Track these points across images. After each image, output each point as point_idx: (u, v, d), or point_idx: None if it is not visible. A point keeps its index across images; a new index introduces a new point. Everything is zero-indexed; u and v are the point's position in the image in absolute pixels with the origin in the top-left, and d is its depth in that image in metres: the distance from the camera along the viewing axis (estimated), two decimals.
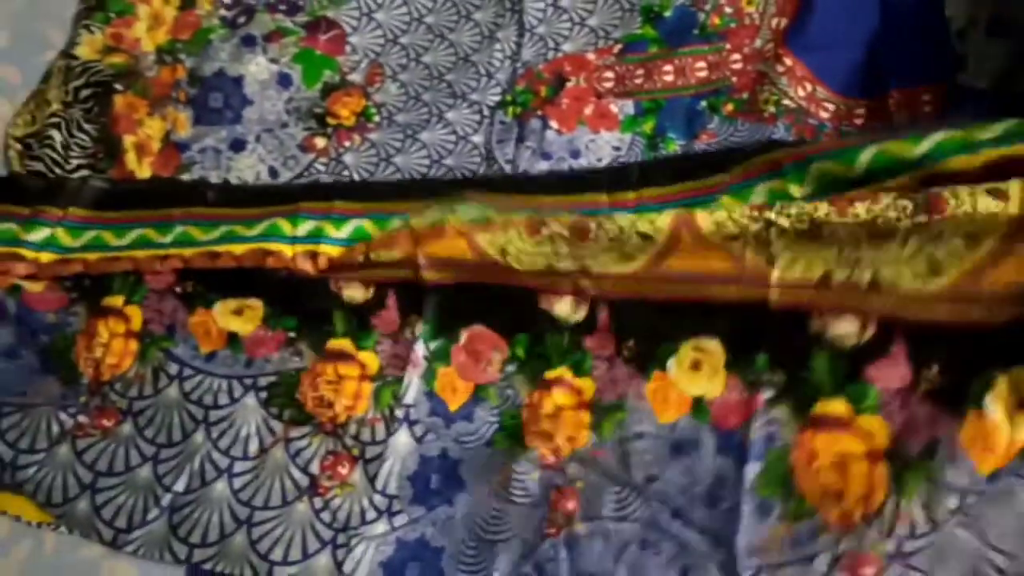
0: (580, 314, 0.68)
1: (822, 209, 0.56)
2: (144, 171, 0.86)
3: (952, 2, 0.77)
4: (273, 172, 0.87)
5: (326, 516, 0.69)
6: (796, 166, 0.63)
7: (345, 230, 0.75)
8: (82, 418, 0.73)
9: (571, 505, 0.65)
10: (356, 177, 0.86)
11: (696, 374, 0.64)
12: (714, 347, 0.64)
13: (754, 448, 0.60)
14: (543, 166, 0.85)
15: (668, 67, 0.87)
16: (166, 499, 0.70)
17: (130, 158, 0.85)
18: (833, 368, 0.58)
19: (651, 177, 0.74)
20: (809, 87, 0.83)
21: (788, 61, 0.83)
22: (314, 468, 0.70)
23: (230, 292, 0.76)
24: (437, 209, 0.73)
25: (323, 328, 0.74)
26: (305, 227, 0.76)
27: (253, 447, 0.71)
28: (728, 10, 0.86)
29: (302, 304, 0.75)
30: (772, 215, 0.58)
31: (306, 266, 0.73)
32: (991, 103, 0.78)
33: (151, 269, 0.76)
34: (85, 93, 0.86)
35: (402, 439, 0.70)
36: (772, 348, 0.61)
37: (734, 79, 0.86)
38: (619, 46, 0.88)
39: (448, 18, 0.94)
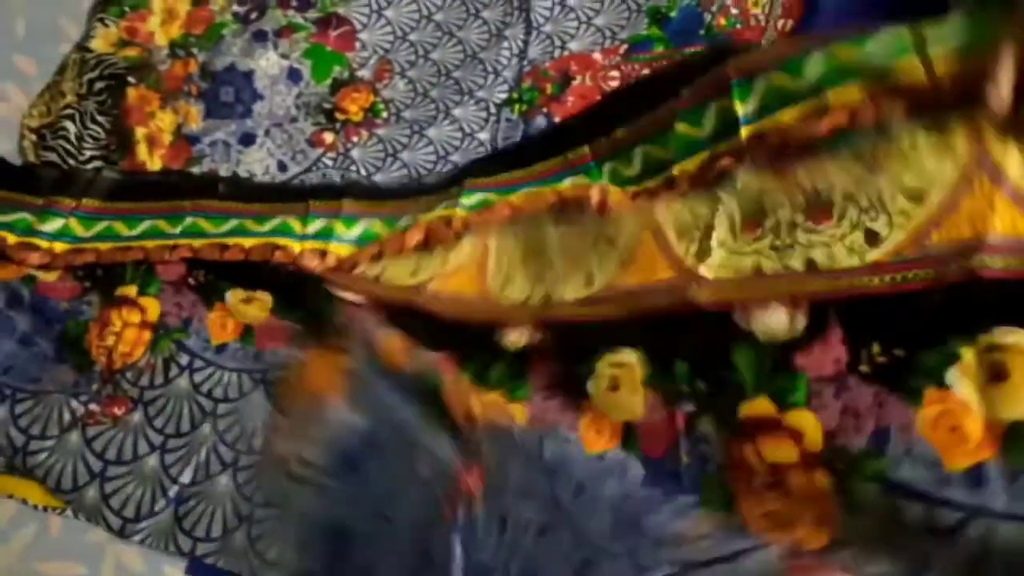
0: (524, 340, 0.64)
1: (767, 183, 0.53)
2: (155, 163, 0.87)
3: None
4: (282, 166, 0.88)
5: None
6: (741, 82, 0.58)
7: (355, 230, 0.77)
8: (93, 406, 0.74)
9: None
10: (364, 172, 0.87)
11: (616, 395, 0.57)
12: (631, 359, 0.58)
13: (686, 477, 0.54)
14: None
15: None
16: (173, 490, 0.71)
17: (141, 150, 0.86)
18: (758, 363, 0.52)
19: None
20: None
21: None
22: None
23: (239, 284, 0.77)
24: (444, 204, 0.75)
25: (323, 328, 0.73)
26: (315, 226, 0.77)
27: (259, 442, 0.71)
28: (734, 11, 0.87)
29: (306, 301, 0.75)
30: (723, 196, 0.55)
31: (313, 263, 0.74)
32: None
33: (160, 259, 0.77)
34: (99, 86, 0.88)
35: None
36: (693, 353, 0.55)
37: None
38: (625, 46, 0.88)
39: (457, 16, 0.95)
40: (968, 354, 0.44)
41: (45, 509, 0.73)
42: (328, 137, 0.90)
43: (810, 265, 0.50)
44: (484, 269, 0.70)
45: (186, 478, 0.71)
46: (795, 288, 0.50)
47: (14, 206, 0.82)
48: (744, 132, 0.57)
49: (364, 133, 0.90)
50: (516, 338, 0.64)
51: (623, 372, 0.57)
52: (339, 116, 0.90)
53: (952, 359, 0.45)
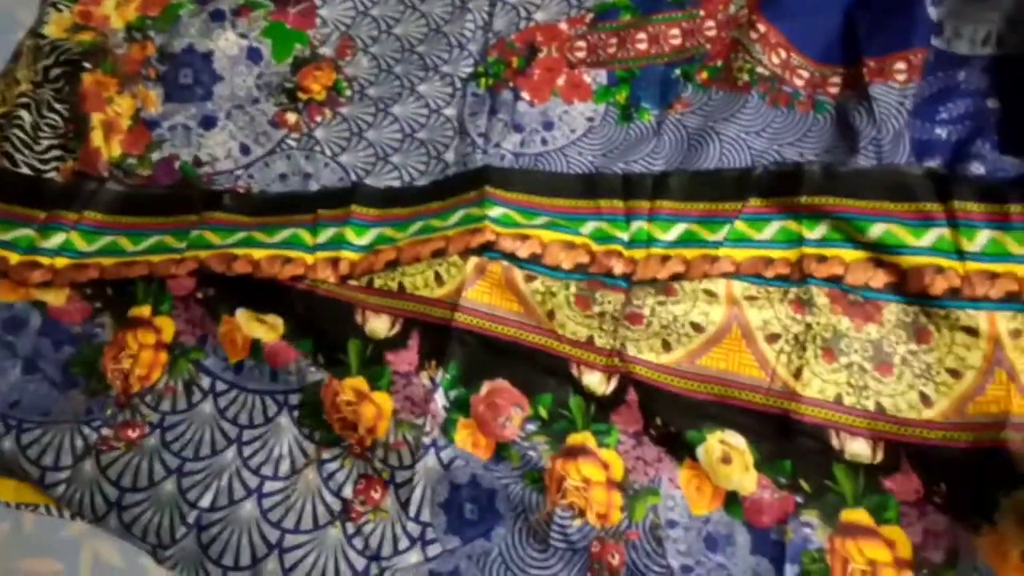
0: (609, 388, 0.68)
1: (844, 323, 0.67)
2: (113, 149, 0.85)
3: None
4: (245, 149, 0.87)
5: (358, 542, 0.67)
6: (812, 216, 0.71)
7: (366, 237, 0.75)
8: (106, 431, 0.71)
9: (616, 561, 0.64)
10: (328, 152, 0.86)
11: (728, 468, 0.65)
12: (741, 444, 0.65)
13: (791, 549, 0.62)
14: (515, 138, 0.84)
15: (642, 35, 0.85)
16: (192, 516, 0.68)
17: (96, 135, 0.84)
18: (854, 480, 0.64)
19: (665, 189, 0.76)
20: (784, 54, 0.81)
21: (762, 27, 0.81)
22: (347, 492, 0.68)
23: (250, 306, 0.75)
24: (463, 212, 0.74)
25: (337, 357, 0.72)
26: (325, 235, 0.76)
27: (284, 467, 0.69)
28: None
29: (320, 329, 0.73)
30: (810, 320, 0.67)
31: (326, 273, 0.73)
32: (969, 68, 0.77)
33: (167, 272, 0.75)
34: (55, 72, 0.85)
35: (430, 463, 0.68)
36: (797, 456, 0.65)
37: (708, 46, 0.85)
38: (591, 15, 0.86)
39: None
40: (1007, 504, 0.59)
41: (18, 506, 0.73)
42: (291, 117, 0.88)
43: (879, 408, 0.64)
44: (519, 290, 0.71)
45: (206, 503, 0.69)
46: (872, 425, 0.64)
47: (16, 221, 0.80)
48: (807, 251, 0.70)
49: (328, 112, 0.88)
50: (597, 383, 0.68)
51: (734, 451, 0.65)
52: (301, 96, 0.88)
53: (995, 505, 0.60)
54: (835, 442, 0.64)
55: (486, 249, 0.71)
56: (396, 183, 0.84)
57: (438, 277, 0.72)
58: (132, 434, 0.71)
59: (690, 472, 0.66)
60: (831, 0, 0.81)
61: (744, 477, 0.64)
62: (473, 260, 0.71)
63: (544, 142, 0.85)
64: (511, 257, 0.71)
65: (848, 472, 0.64)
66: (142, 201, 0.81)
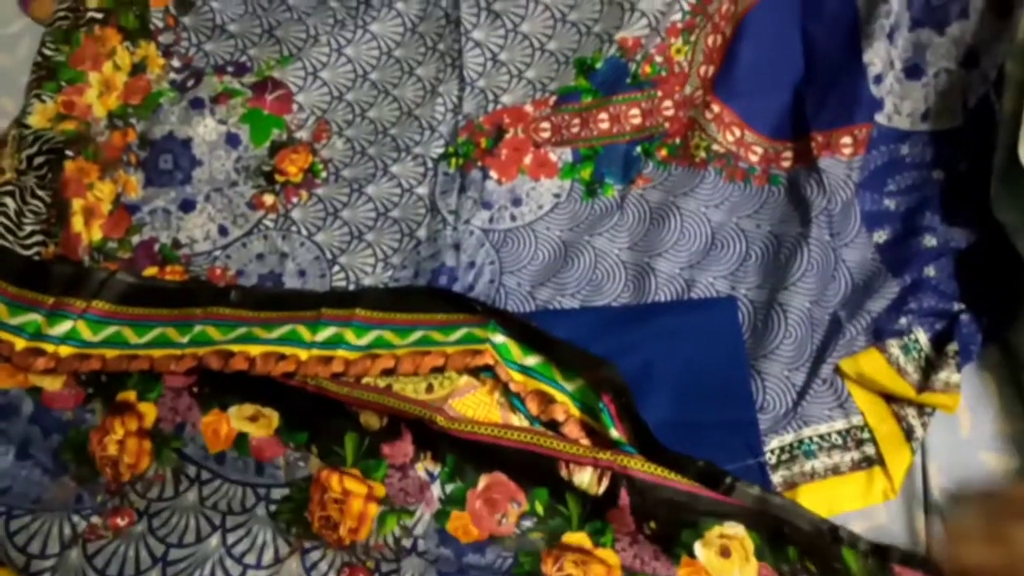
0: (601, 488, 0.67)
1: None
2: (94, 234, 0.87)
3: (870, 49, 0.80)
4: (223, 230, 0.89)
5: None
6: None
7: (365, 339, 0.76)
8: (95, 519, 0.70)
9: None
10: (304, 232, 0.89)
11: (727, 562, 0.65)
12: (741, 533, 0.66)
13: None
14: (484, 215, 0.87)
15: (603, 115, 0.90)
16: None
17: (76, 221, 0.86)
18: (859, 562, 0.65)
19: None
20: (738, 132, 0.86)
21: (716, 108, 0.86)
22: None
23: (247, 398, 0.76)
24: (465, 332, 0.75)
25: (332, 449, 0.72)
26: (325, 333, 0.76)
27: (268, 556, 0.68)
28: (658, 59, 0.89)
29: (316, 420, 0.74)
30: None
31: (318, 369, 0.74)
32: (912, 142, 0.82)
33: (166, 369, 0.76)
34: (38, 161, 0.88)
35: (414, 561, 0.67)
36: (803, 542, 0.65)
37: (667, 125, 0.89)
38: (555, 97, 0.91)
39: (392, 74, 0.97)
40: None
41: None
42: (268, 199, 0.91)
43: None
44: (503, 403, 0.73)
45: None
46: None
47: (25, 306, 0.80)
48: None
49: (304, 193, 0.91)
50: (589, 481, 0.67)
51: (733, 543, 0.66)
52: (279, 178, 0.91)
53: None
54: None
55: (483, 371, 0.73)
56: (370, 260, 0.87)
57: (429, 387, 0.73)
58: (120, 522, 0.70)
59: (687, 570, 0.66)
60: (780, 79, 0.86)
61: (744, 569, 0.65)
62: (466, 378, 0.73)
63: (513, 218, 0.88)
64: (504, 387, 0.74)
65: (853, 554, 0.64)
66: (151, 293, 0.82)
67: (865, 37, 0.80)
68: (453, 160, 0.90)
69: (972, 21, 0.78)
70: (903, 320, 0.76)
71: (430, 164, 0.91)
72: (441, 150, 0.91)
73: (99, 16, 0.95)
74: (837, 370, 0.75)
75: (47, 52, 0.94)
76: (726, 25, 0.87)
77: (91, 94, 0.93)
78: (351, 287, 0.86)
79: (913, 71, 0.81)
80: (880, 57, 0.80)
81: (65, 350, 0.78)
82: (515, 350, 0.76)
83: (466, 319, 0.78)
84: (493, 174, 0.88)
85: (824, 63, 0.83)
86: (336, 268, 0.87)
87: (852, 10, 0.82)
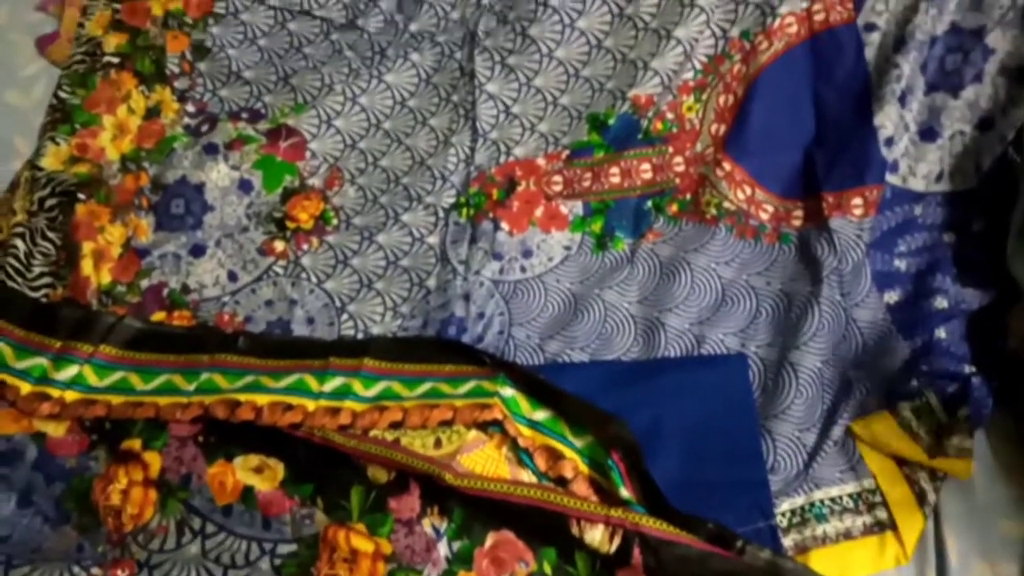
0: (613, 546, 0.66)
1: None
2: (103, 277, 0.87)
3: (880, 112, 0.81)
4: (232, 276, 0.89)
5: None
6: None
7: (373, 389, 0.76)
8: (96, 570, 0.69)
9: None
10: (314, 280, 0.89)
11: None
12: None
13: None
14: (495, 266, 0.87)
15: (614, 169, 0.90)
16: None
17: (86, 264, 0.86)
18: None
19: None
20: (748, 190, 0.86)
21: (727, 166, 0.87)
22: None
23: (253, 448, 0.75)
24: (474, 385, 0.75)
25: (338, 502, 0.72)
26: (332, 384, 0.76)
27: None
28: (669, 115, 0.90)
29: (322, 471, 0.73)
30: None
31: (325, 420, 0.73)
32: (925, 204, 0.82)
33: (172, 417, 0.75)
34: (50, 203, 0.88)
35: None
36: None
37: (677, 181, 0.89)
38: (567, 152, 0.91)
39: (405, 124, 0.97)
40: None
41: None
42: (279, 245, 0.91)
43: None
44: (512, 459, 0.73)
45: None
46: None
47: (32, 349, 0.80)
48: None
49: (315, 240, 0.91)
50: (600, 539, 0.66)
51: None
52: (290, 224, 0.91)
53: None
54: None
55: (492, 425, 0.73)
56: (379, 309, 0.87)
57: (438, 442, 0.72)
58: (121, 573, 0.69)
59: None
60: (791, 139, 0.87)
61: None
62: (474, 432, 0.72)
63: (523, 269, 0.88)
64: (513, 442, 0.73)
65: None
66: (158, 338, 0.82)
67: (876, 100, 0.82)
68: (464, 210, 0.91)
69: (986, 85, 0.79)
70: (914, 382, 0.76)
71: (441, 214, 0.91)
72: (452, 200, 0.92)
73: (115, 60, 0.96)
74: (849, 432, 0.75)
75: (62, 95, 0.94)
76: (738, 85, 0.88)
77: (105, 137, 0.93)
78: (360, 335, 0.86)
79: (928, 133, 0.82)
80: (891, 120, 0.81)
81: (71, 395, 0.77)
82: (524, 404, 0.76)
83: (475, 371, 0.77)
84: (504, 225, 0.89)
85: (835, 125, 0.85)
86: (345, 316, 0.87)
87: (863, 74, 0.83)
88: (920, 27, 0.81)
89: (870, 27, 0.84)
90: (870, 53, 0.84)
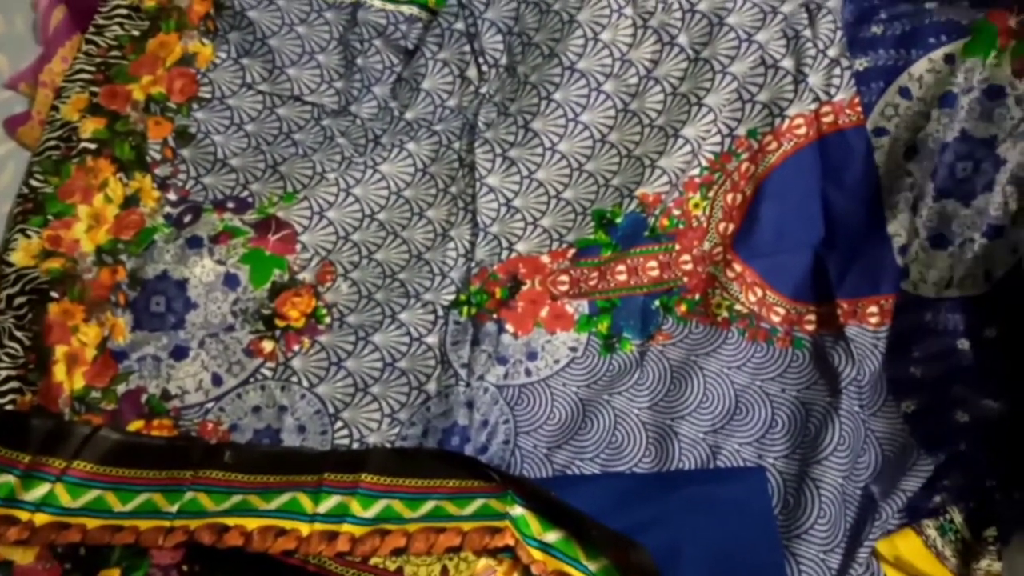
0: None
1: None
2: (77, 382, 0.80)
3: (894, 220, 0.80)
4: (217, 379, 0.83)
5: None
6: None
7: (372, 510, 0.70)
8: None
9: None
10: (305, 383, 0.83)
11: None
12: None
13: None
14: (499, 371, 0.83)
15: (621, 267, 0.87)
16: None
17: (59, 369, 0.79)
18: None
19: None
20: (760, 292, 0.84)
21: (738, 267, 0.85)
22: None
23: None
24: (484, 499, 0.70)
25: None
26: (327, 504, 0.70)
27: None
28: (676, 212, 0.88)
29: None
30: None
31: (321, 547, 0.68)
32: (935, 310, 0.81)
33: (153, 543, 0.69)
34: (19, 300, 0.82)
35: None
36: None
37: (685, 279, 0.87)
38: (573, 250, 0.88)
39: (401, 215, 0.93)
40: None
41: None
42: (267, 346, 0.85)
43: None
44: None
45: None
46: None
47: None
48: None
49: (306, 340, 0.86)
50: None
51: None
52: (279, 323, 0.86)
53: None
54: None
55: (502, 551, 0.68)
56: (376, 416, 0.82)
57: (444, 571, 0.68)
58: None
59: None
60: (800, 239, 0.86)
61: None
62: (484, 560, 0.68)
63: (528, 373, 0.84)
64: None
65: None
66: (137, 452, 0.76)
67: (889, 208, 0.81)
68: (465, 308, 0.87)
69: (997, 194, 0.78)
70: (937, 498, 0.74)
71: (440, 312, 0.87)
72: (452, 297, 0.88)
73: (92, 147, 0.90)
74: (873, 552, 0.72)
75: (35, 183, 0.88)
76: (746, 184, 0.87)
77: (79, 228, 0.87)
78: (355, 445, 0.81)
79: (938, 240, 0.81)
80: (905, 228, 0.80)
81: (41, 518, 0.70)
82: (534, 524, 0.71)
83: (481, 487, 0.73)
84: (509, 327, 0.85)
85: (846, 229, 0.83)
86: (339, 424, 0.82)
87: (873, 179, 0.83)
88: (931, 134, 0.80)
89: (880, 131, 0.84)
90: (880, 157, 0.83)
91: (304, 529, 0.69)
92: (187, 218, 0.90)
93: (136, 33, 0.97)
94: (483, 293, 0.88)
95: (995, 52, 0.81)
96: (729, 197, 0.88)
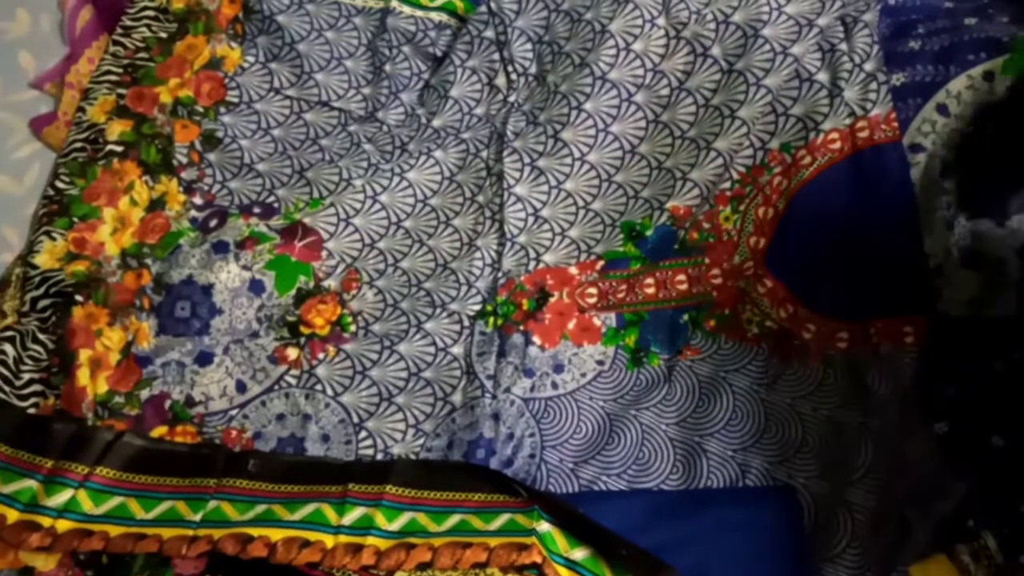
0: None
1: None
2: (100, 387, 0.80)
3: (929, 239, 0.79)
4: (241, 386, 0.83)
5: None
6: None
7: (397, 522, 0.70)
8: None
9: None
10: (330, 392, 0.83)
11: None
12: None
13: None
14: (526, 383, 0.82)
15: (649, 280, 0.86)
16: None
17: (83, 373, 0.79)
18: None
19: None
20: (791, 308, 0.83)
21: (768, 283, 0.83)
22: None
23: None
24: (510, 514, 0.70)
25: None
26: (352, 515, 0.70)
27: None
28: (706, 225, 0.87)
29: None
30: None
31: (345, 560, 0.67)
32: (966, 330, 0.80)
33: (177, 552, 0.68)
34: (44, 303, 0.82)
35: None
36: None
37: (715, 294, 0.86)
38: (602, 262, 0.87)
39: (427, 223, 0.93)
40: None
41: None
42: (292, 353, 0.85)
43: None
44: None
45: None
46: None
47: (20, 470, 0.72)
48: None
49: (331, 349, 0.85)
50: None
51: None
52: (304, 330, 0.86)
53: None
54: None
55: (529, 568, 0.67)
56: (400, 426, 0.81)
57: None
58: None
59: None
60: (833, 256, 0.84)
61: None
62: None
63: (554, 386, 0.84)
64: None
65: None
66: (160, 459, 0.75)
67: (925, 227, 0.80)
68: (491, 319, 0.86)
69: None
70: (971, 522, 0.73)
71: (466, 322, 0.86)
72: (478, 307, 0.87)
73: (119, 149, 0.90)
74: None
75: (60, 185, 0.87)
76: (778, 199, 0.86)
77: (104, 231, 0.87)
78: (379, 455, 0.80)
79: (972, 260, 0.79)
80: (941, 248, 0.79)
81: (63, 524, 0.70)
82: (561, 541, 0.70)
83: (507, 502, 0.72)
84: (536, 339, 0.84)
85: (880, 246, 0.82)
86: (363, 434, 0.81)
87: (909, 195, 0.81)
88: (968, 152, 0.79)
89: (916, 148, 0.82)
90: (915, 174, 0.82)
91: (329, 541, 0.68)
92: (213, 223, 0.90)
93: (164, 35, 0.97)
94: (510, 304, 0.87)
95: None
96: (761, 211, 0.86)
